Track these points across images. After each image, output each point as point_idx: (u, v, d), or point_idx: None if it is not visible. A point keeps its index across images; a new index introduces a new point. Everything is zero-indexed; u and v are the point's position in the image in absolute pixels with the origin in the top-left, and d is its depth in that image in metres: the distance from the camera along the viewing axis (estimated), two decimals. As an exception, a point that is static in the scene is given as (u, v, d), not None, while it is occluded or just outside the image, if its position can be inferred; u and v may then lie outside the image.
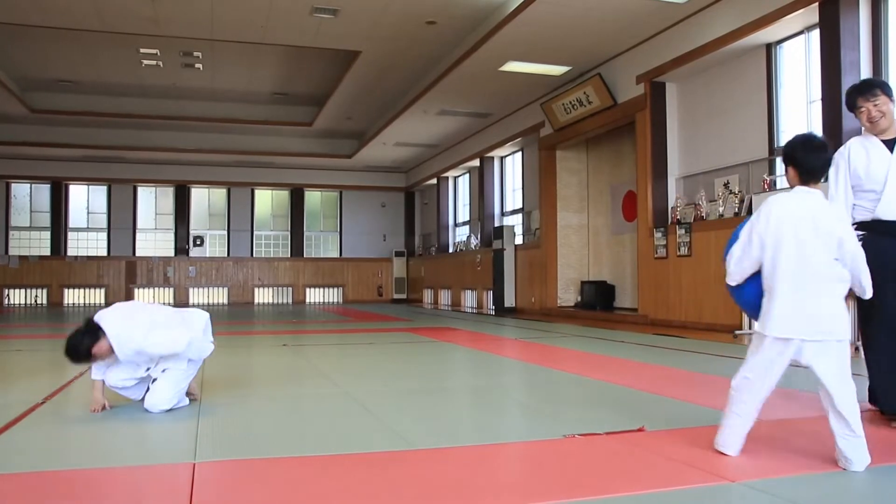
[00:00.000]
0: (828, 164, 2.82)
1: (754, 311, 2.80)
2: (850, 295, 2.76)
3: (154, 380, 3.82)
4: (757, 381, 2.68)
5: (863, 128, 3.47)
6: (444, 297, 19.26)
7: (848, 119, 7.17)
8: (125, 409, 3.84)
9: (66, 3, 9.81)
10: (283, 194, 21.58)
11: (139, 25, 10.71)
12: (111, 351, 3.61)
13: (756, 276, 2.74)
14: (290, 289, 21.19)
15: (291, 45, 11.76)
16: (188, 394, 4.02)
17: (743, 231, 2.73)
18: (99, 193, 20.37)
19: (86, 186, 20.29)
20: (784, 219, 2.63)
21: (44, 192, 19.90)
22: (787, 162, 2.78)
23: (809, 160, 2.72)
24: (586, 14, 9.16)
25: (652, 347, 7.01)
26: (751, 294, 2.78)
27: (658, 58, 9.82)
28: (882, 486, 2.46)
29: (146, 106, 16.31)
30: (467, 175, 18.64)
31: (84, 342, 3.54)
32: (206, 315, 4.04)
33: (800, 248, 2.60)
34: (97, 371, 3.78)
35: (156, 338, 3.64)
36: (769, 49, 8.63)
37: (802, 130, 8.42)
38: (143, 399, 3.84)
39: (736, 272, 2.74)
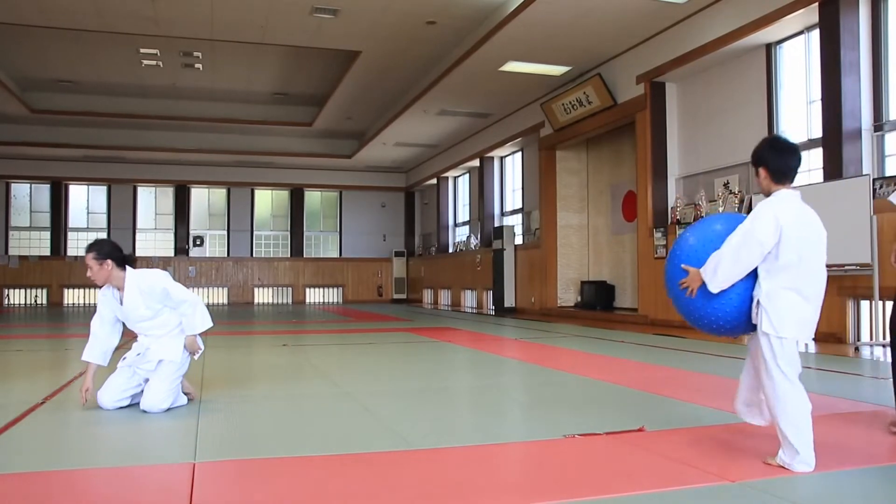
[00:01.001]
0: (798, 165, 2.76)
1: (735, 319, 2.74)
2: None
3: (147, 381, 3.84)
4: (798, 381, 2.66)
5: None
6: (444, 297, 19.26)
7: (848, 119, 7.18)
8: (125, 409, 3.84)
9: (66, 3, 9.81)
10: (283, 194, 21.58)
11: (139, 25, 10.71)
12: (116, 280, 3.81)
13: (745, 284, 2.69)
14: (289, 289, 21.19)
15: (291, 45, 11.76)
16: (185, 393, 4.02)
17: (737, 240, 2.64)
18: (99, 193, 20.38)
19: (86, 186, 20.29)
20: (790, 225, 2.61)
21: (44, 192, 19.90)
22: (757, 164, 2.76)
23: (781, 161, 2.71)
24: (586, 14, 9.16)
25: (652, 347, 7.01)
26: (740, 303, 2.71)
27: (658, 58, 9.82)
28: (881, 486, 2.46)
29: (146, 106, 16.31)
30: (467, 175, 18.64)
31: (114, 248, 3.82)
32: None
33: (807, 253, 2.63)
34: (89, 352, 3.85)
35: (173, 282, 3.90)
36: (769, 49, 8.63)
37: (801, 130, 8.41)
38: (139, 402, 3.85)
39: (725, 279, 2.66)
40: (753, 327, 2.75)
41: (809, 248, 2.64)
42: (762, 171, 2.74)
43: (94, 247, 3.81)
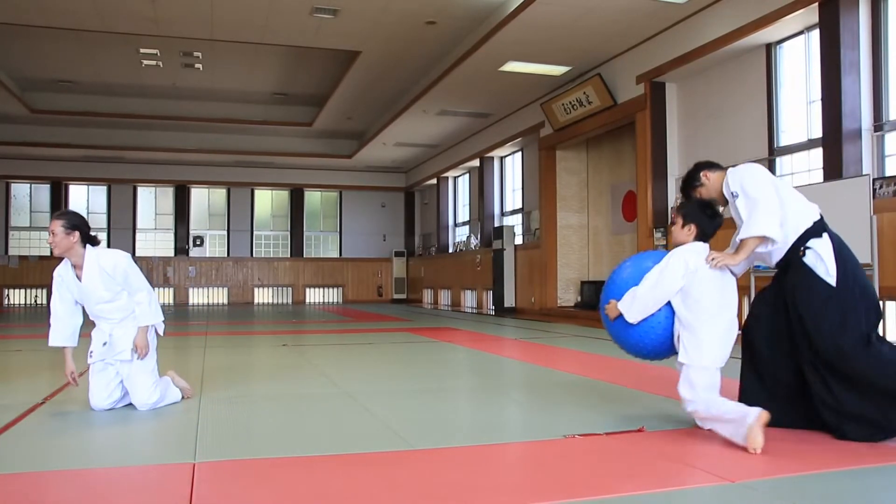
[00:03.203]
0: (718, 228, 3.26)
1: (656, 347, 3.24)
2: None
3: (123, 385, 3.82)
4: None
5: None
6: (444, 297, 19.25)
7: (848, 119, 7.18)
8: (125, 409, 3.85)
9: (66, 3, 9.81)
10: (283, 194, 21.57)
11: (139, 25, 10.70)
12: (75, 256, 3.71)
13: (665, 318, 3.16)
14: (289, 289, 21.18)
15: (291, 45, 11.76)
16: (181, 389, 4.03)
17: (652, 279, 3.10)
18: (99, 193, 20.37)
19: (86, 186, 20.29)
20: (700, 268, 3.08)
21: (44, 192, 19.90)
22: (688, 220, 3.23)
23: (712, 226, 3.24)
24: (586, 14, 9.16)
25: (652, 347, 7.00)
26: (662, 332, 3.18)
27: (658, 58, 9.81)
28: (883, 485, 2.46)
29: (146, 106, 16.31)
30: (467, 175, 18.64)
31: (84, 222, 3.76)
32: None
33: (717, 291, 3.10)
34: (55, 336, 3.80)
35: (134, 266, 3.83)
36: (769, 49, 8.62)
37: (801, 130, 8.39)
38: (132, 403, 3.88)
39: (640, 312, 3.13)
40: (675, 353, 3.21)
41: (718, 285, 3.09)
42: (693, 227, 3.21)
43: (64, 215, 3.74)
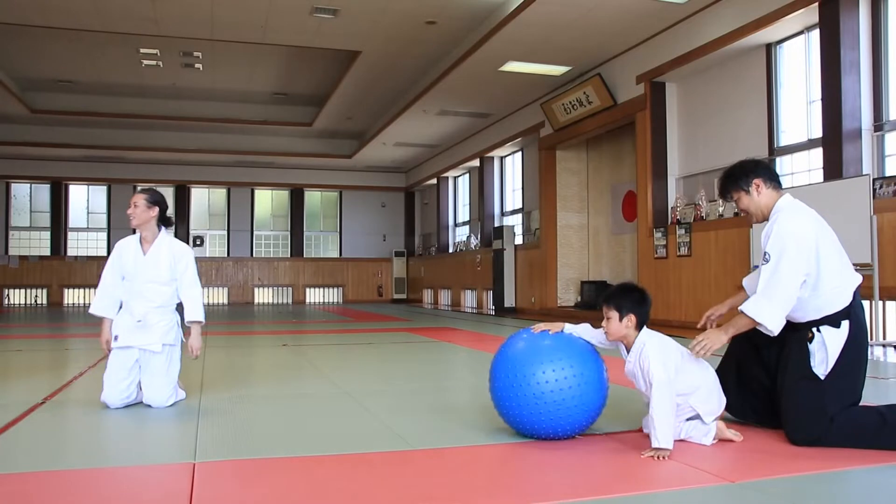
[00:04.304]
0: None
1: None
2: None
3: (139, 381, 3.87)
4: None
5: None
6: (444, 297, 19.26)
7: (848, 119, 7.18)
8: (124, 409, 3.84)
9: (66, 3, 9.81)
10: (283, 194, 21.58)
11: (139, 25, 10.71)
12: (148, 231, 3.90)
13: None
14: (289, 289, 21.19)
15: (291, 45, 11.77)
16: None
17: (660, 397, 2.77)
18: (99, 193, 20.38)
19: (86, 186, 20.29)
20: (676, 355, 2.94)
21: (44, 192, 19.90)
22: (626, 311, 2.91)
23: (645, 311, 2.97)
24: (586, 14, 9.16)
25: (652, 347, 7.00)
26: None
27: (658, 58, 9.82)
28: (881, 485, 2.46)
29: (146, 106, 16.31)
30: (467, 175, 18.64)
31: (164, 201, 3.98)
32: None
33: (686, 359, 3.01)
34: (99, 304, 3.92)
35: (195, 265, 4.06)
36: (769, 49, 8.63)
37: (801, 130, 8.37)
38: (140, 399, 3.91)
39: (670, 423, 2.79)
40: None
41: (682, 354, 2.97)
42: (631, 318, 2.91)
43: (148, 191, 3.96)
